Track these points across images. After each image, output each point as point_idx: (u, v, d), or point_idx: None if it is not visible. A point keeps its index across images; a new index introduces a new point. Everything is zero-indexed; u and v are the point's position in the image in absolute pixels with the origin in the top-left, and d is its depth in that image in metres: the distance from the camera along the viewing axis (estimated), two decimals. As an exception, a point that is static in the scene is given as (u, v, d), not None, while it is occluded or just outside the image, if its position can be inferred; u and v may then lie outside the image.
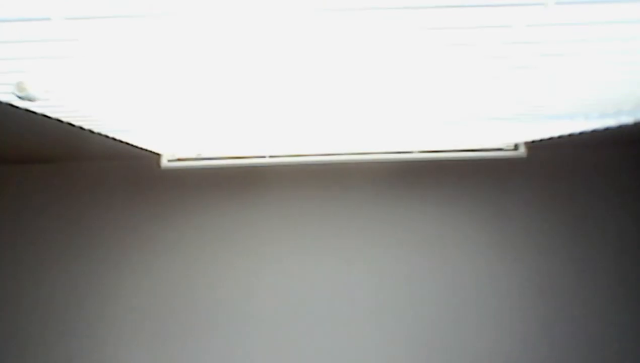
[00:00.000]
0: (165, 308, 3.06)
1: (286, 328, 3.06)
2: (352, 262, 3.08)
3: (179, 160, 2.86)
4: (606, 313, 3.05)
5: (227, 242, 3.09)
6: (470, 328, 3.05)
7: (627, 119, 1.90)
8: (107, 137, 2.02)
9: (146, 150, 2.55)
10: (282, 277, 3.08)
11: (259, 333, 3.06)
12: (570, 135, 2.37)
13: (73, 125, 1.74)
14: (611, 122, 1.94)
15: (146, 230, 3.08)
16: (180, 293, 3.07)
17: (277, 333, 3.06)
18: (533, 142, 2.71)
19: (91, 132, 1.88)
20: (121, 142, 2.18)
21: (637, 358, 3.03)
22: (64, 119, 1.61)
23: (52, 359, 3.05)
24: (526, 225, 3.08)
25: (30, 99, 1.19)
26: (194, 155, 2.85)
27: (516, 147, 2.79)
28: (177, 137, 2.13)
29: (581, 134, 2.32)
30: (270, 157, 2.86)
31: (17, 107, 1.42)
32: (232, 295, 3.07)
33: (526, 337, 3.04)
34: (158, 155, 2.86)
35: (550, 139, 2.50)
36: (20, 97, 1.17)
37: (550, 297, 3.06)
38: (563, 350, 3.04)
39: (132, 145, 2.32)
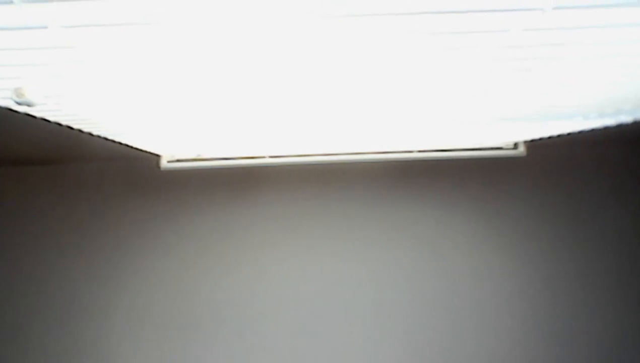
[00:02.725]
0: (166, 308, 3.07)
1: (286, 327, 3.06)
2: (352, 261, 3.08)
3: (178, 161, 2.86)
4: (605, 312, 3.05)
5: (227, 241, 3.09)
6: (469, 328, 3.05)
7: (626, 118, 1.90)
8: (106, 139, 2.02)
9: (146, 151, 2.55)
10: (282, 276, 3.08)
11: (260, 331, 3.06)
12: (569, 134, 2.37)
13: (72, 128, 1.74)
14: (610, 121, 1.94)
15: (146, 231, 3.09)
16: (181, 292, 3.07)
17: (277, 332, 3.06)
18: (532, 140, 2.71)
19: (90, 134, 1.88)
20: (121, 143, 2.18)
21: (637, 358, 3.03)
22: (63, 123, 1.62)
23: (54, 359, 3.05)
24: (525, 223, 3.08)
25: (28, 104, 1.19)
26: (193, 156, 2.85)
27: (515, 145, 2.79)
28: (177, 138, 2.13)
29: (580, 132, 2.32)
30: (270, 157, 2.86)
31: (16, 112, 1.42)
32: (233, 294, 3.07)
33: (525, 337, 3.05)
34: (158, 156, 2.86)
35: (550, 137, 2.50)
36: (18, 103, 1.17)
37: (549, 295, 3.06)
38: (562, 350, 3.04)
39: (131, 147, 2.32)
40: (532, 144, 2.90)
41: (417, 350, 3.05)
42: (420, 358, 3.04)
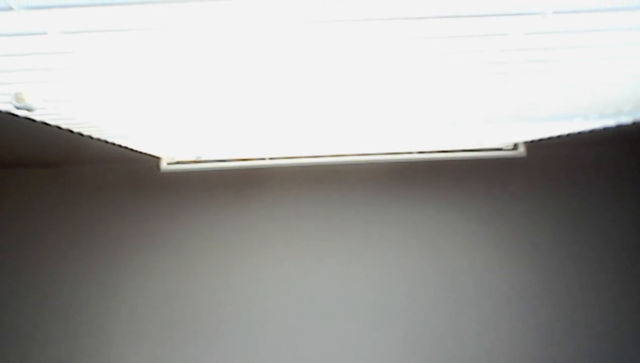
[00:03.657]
0: (166, 310, 3.07)
1: (287, 328, 3.06)
2: (352, 262, 3.08)
3: (178, 163, 2.86)
4: (605, 311, 3.05)
5: (227, 243, 3.09)
6: (469, 329, 3.06)
7: (626, 119, 1.90)
8: (106, 142, 2.02)
9: (146, 153, 2.55)
10: (282, 278, 3.08)
11: (261, 332, 3.06)
12: (569, 135, 2.37)
13: (72, 132, 1.74)
14: (610, 122, 1.94)
15: (147, 233, 3.09)
16: (182, 294, 3.07)
17: (277, 333, 3.06)
18: (532, 141, 2.71)
19: (90, 137, 1.88)
20: (120, 146, 2.18)
21: (636, 358, 3.03)
22: (63, 126, 1.62)
23: (55, 360, 3.05)
24: (525, 224, 3.09)
25: (28, 109, 1.19)
26: (193, 158, 2.85)
27: (515, 146, 2.79)
28: (177, 140, 2.14)
29: (580, 133, 2.32)
30: (270, 159, 2.86)
31: (16, 116, 1.42)
32: (233, 296, 3.07)
33: (525, 336, 3.05)
34: (157, 158, 2.86)
35: (550, 138, 2.50)
36: (18, 107, 1.17)
37: (549, 296, 3.06)
38: (562, 350, 3.04)
39: (131, 149, 2.33)
40: (532, 145, 2.91)
41: (417, 350, 3.05)
42: (420, 358, 3.04)
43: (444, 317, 3.06)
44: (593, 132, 2.34)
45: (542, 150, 3.10)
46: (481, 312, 3.06)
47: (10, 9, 0.71)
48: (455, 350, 3.05)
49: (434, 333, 3.05)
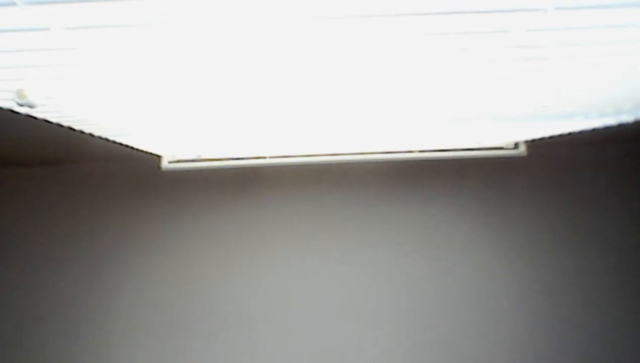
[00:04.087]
0: (167, 308, 3.07)
1: (287, 328, 3.06)
2: (352, 262, 3.08)
3: (179, 161, 2.86)
4: (605, 312, 3.05)
5: (227, 242, 3.09)
6: (470, 328, 3.06)
7: (626, 118, 1.90)
8: (107, 140, 2.02)
9: (147, 152, 2.55)
10: (282, 277, 3.08)
11: (261, 332, 3.06)
12: (570, 134, 2.37)
13: (73, 129, 1.74)
14: (611, 121, 1.94)
15: (147, 231, 3.09)
16: (181, 293, 3.07)
17: (277, 333, 3.06)
18: (533, 140, 2.71)
19: (91, 135, 1.88)
20: (121, 144, 2.18)
21: (636, 358, 3.03)
22: (64, 124, 1.62)
23: (56, 359, 3.05)
24: (526, 223, 3.09)
25: (30, 106, 1.19)
26: (194, 157, 2.85)
27: (516, 145, 2.79)
28: (178, 139, 2.14)
29: (581, 132, 2.32)
30: (270, 157, 2.86)
31: (18, 113, 1.42)
32: (233, 295, 3.07)
33: (525, 336, 3.05)
34: (158, 156, 2.87)
35: (550, 137, 2.50)
36: (20, 104, 1.17)
37: (549, 295, 3.06)
38: (562, 350, 3.04)
39: (132, 148, 2.33)
40: (532, 144, 2.91)
41: (417, 350, 3.05)
42: (420, 358, 3.04)
43: (444, 317, 3.06)
44: (594, 131, 2.34)
45: (543, 149, 3.10)
46: (481, 312, 3.06)
47: (13, 4, 0.71)
48: (456, 350, 3.05)
49: (434, 333, 3.05)
